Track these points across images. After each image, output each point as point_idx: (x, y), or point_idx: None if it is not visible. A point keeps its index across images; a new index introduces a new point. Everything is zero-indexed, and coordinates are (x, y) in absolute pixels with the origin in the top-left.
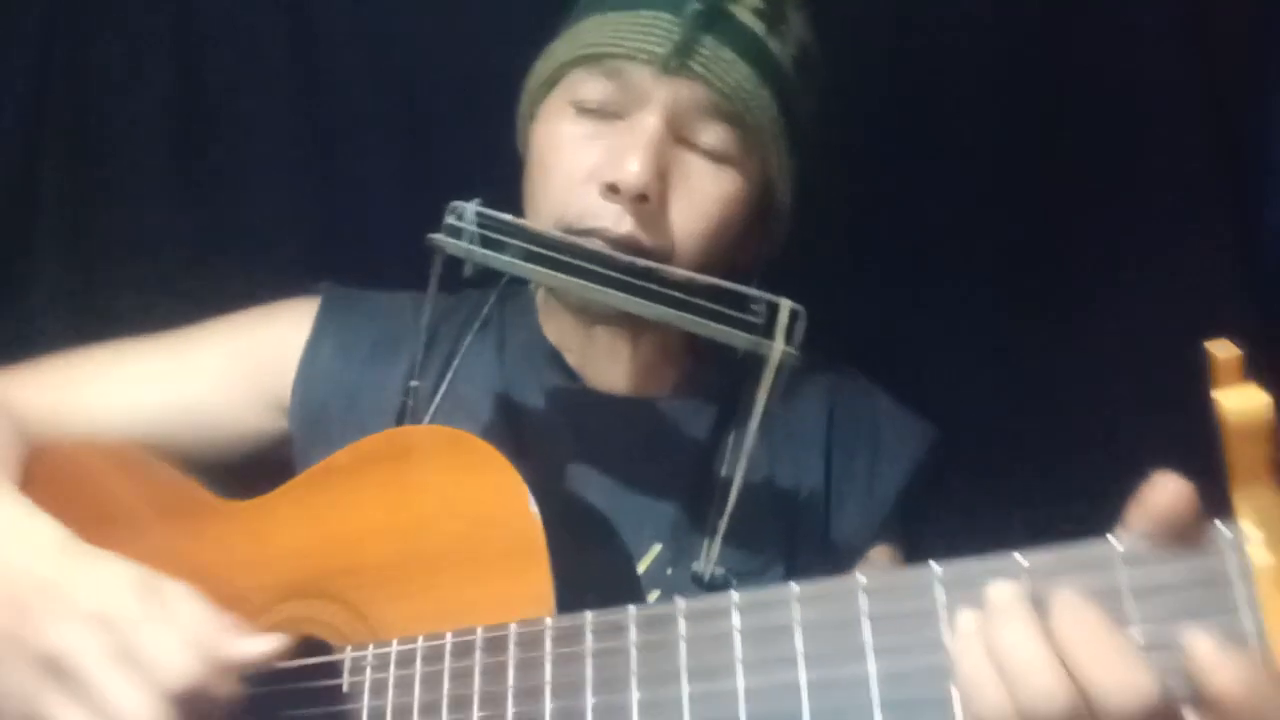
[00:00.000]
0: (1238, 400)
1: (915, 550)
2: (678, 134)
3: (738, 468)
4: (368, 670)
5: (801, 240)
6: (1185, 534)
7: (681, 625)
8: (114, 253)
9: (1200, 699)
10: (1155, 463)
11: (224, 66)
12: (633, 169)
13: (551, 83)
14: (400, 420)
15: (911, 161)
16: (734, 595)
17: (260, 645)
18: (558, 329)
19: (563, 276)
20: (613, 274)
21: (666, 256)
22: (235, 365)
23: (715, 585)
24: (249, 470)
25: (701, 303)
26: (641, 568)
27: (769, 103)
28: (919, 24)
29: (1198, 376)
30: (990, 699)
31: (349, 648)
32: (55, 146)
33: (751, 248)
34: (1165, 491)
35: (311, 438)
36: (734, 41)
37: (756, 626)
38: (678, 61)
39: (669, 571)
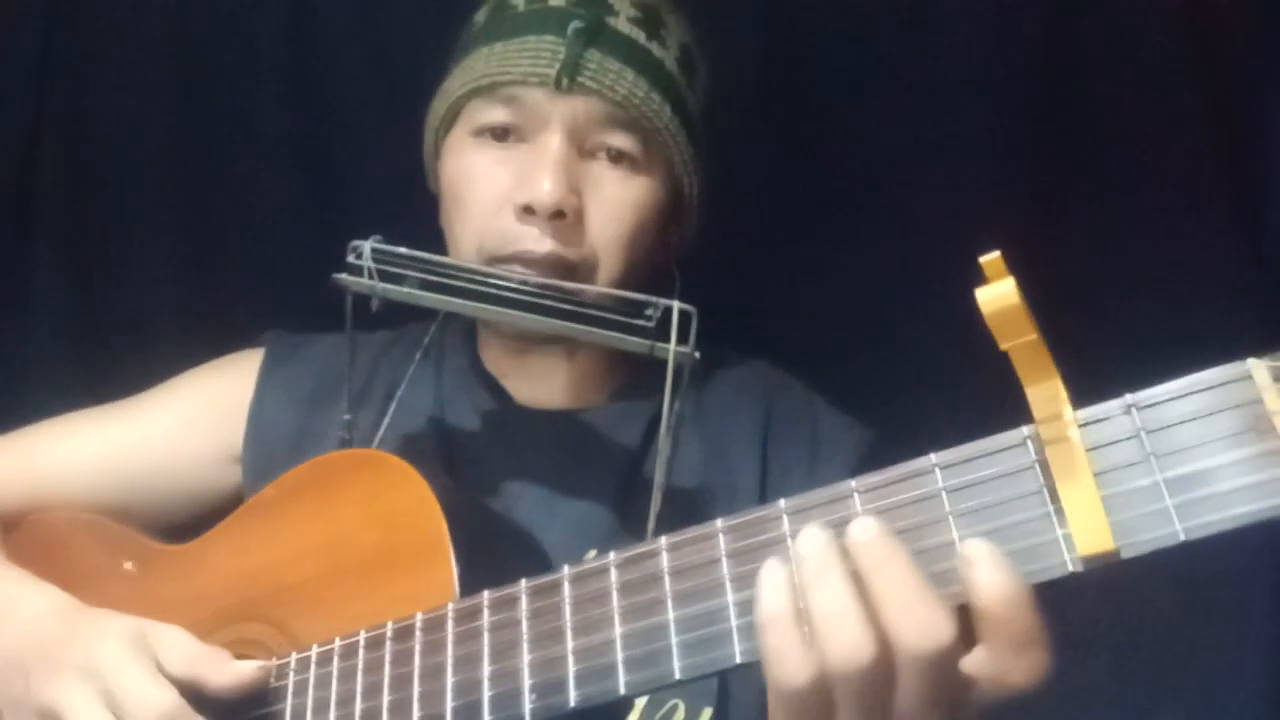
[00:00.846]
0: (987, 293)
1: None
2: (582, 148)
3: (658, 470)
4: (290, 675)
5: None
6: None
7: (566, 588)
8: (113, 255)
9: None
10: None
11: (224, 66)
12: (545, 188)
13: (451, 118)
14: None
15: (911, 162)
16: (611, 555)
17: (238, 670)
18: (493, 353)
19: (459, 301)
20: (509, 294)
21: (592, 268)
22: (189, 426)
23: None
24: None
25: (598, 313)
26: None
27: (660, 104)
28: (917, 22)
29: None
30: (794, 660)
31: (274, 659)
32: (55, 147)
33: (668, 244)
34: None
35: (260, 485)
36: (617, 52)
37: (630, 580)
38: (568, 79)
39: None
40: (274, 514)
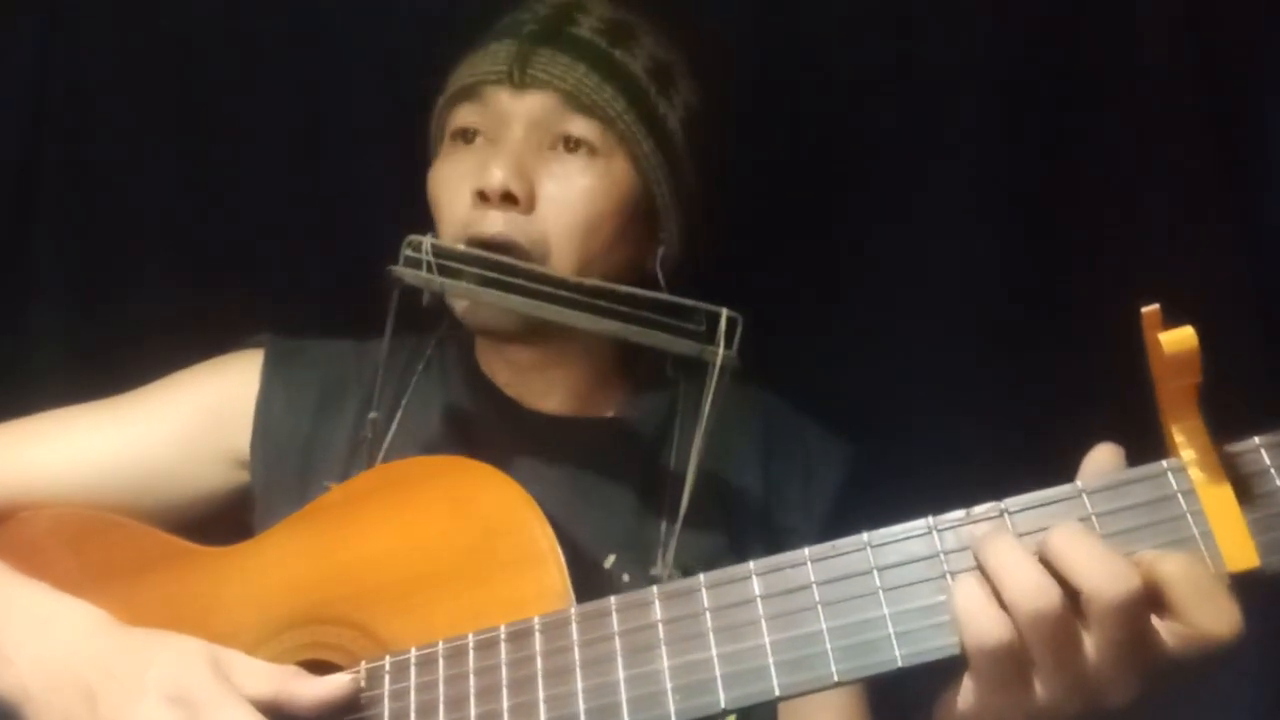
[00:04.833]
0: (1172, 337)
1: None
2: (544, 141)
3: (690, 468)
4: (385, 679)
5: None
6: None
7: (704, 595)
8: (112, 256)
9: (1152, 595)
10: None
11: (224, 66)
12: (494, 173)
13: (439, 133)
14: (356, 455)
15: (911, 162)
16: (750, 564)
17: (328, 686)
18: (492, 368)
19: (516, 299)
20: (561, 293)
21: (544, 255)
22: (189, 423)
23: None
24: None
25: (647, 315)
26: None
27: (614, 95)
28: (918, 23)
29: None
30: (984, 613)
31: (363, 663)
32: (55, 148)
33: (646, 251)
34: (1100, 455)
35: (272, 489)
36: (570, 50)
37: (772, 591)
38: (519, 72)
39: (625, 579)
40: (345, 517)
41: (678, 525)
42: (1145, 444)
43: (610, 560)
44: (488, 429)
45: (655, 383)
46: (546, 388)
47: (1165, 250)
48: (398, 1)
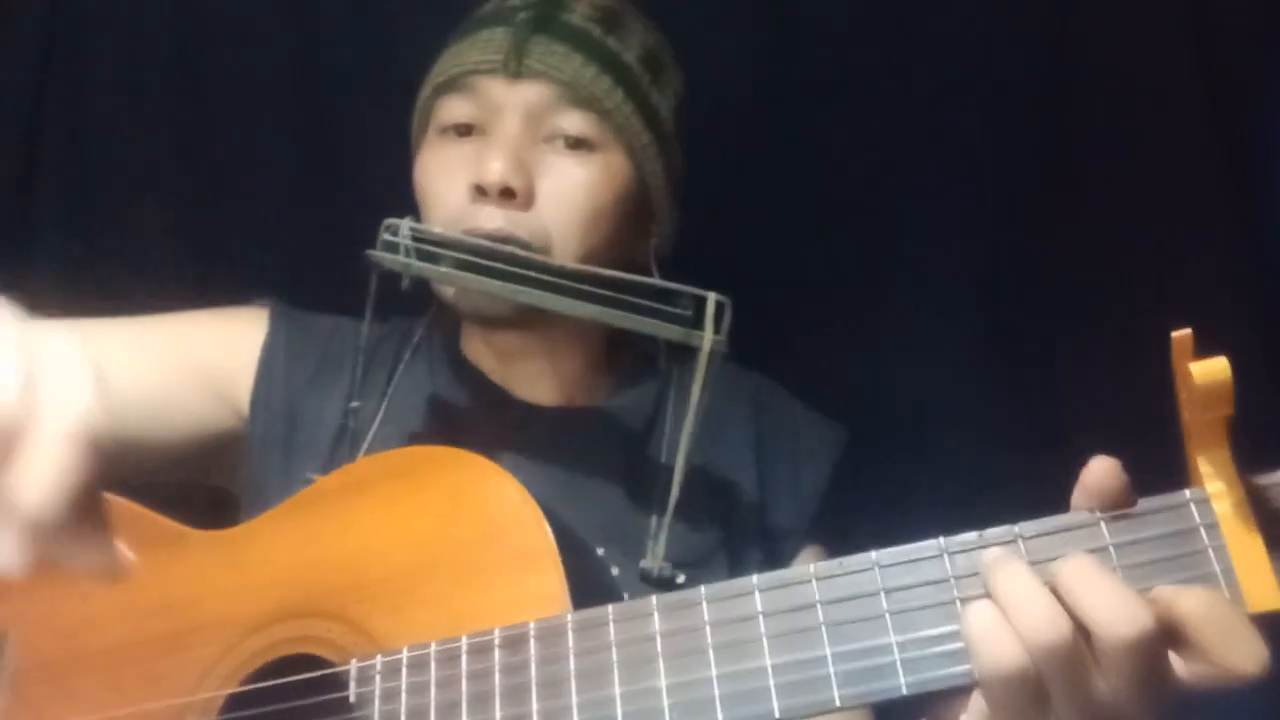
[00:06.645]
0: (1204, 368)
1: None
2: (539, 134)
3: (680, 455)
4: (377, 679)
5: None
6: (1118, 504)
7: (705, 609)
8: (112, 254)
9: (1170, 632)
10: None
11: (224, 66)
12: (494, 167)
13: (424, 122)
14: (340, 442)
15: (910, 163)
16: (754, 579)
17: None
18: (478, 355)
19: (496, 283)
20: (545, 277)
21: (545, 248)
22: (187, 354)
23: (664, 580)
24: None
25: (632, 299)
26: None
27: (612, 86)
28: (918, 22)
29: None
30: (998, 642)
31: (354, 660)
32: (55, 146)
33: (639, 241)
34: (1098, 469)
35: (263, 445)
36: (566, 38)
37: (775, 608)
38: (515, 63)
39: (615, 572)
40: (339, 506)
41: (668, 517)
42: (1140, 444)
43: (599, 553)
44: (475, 418)
45: (644, 371)
46: (534, 375)
47: (1167, 251)
48: None
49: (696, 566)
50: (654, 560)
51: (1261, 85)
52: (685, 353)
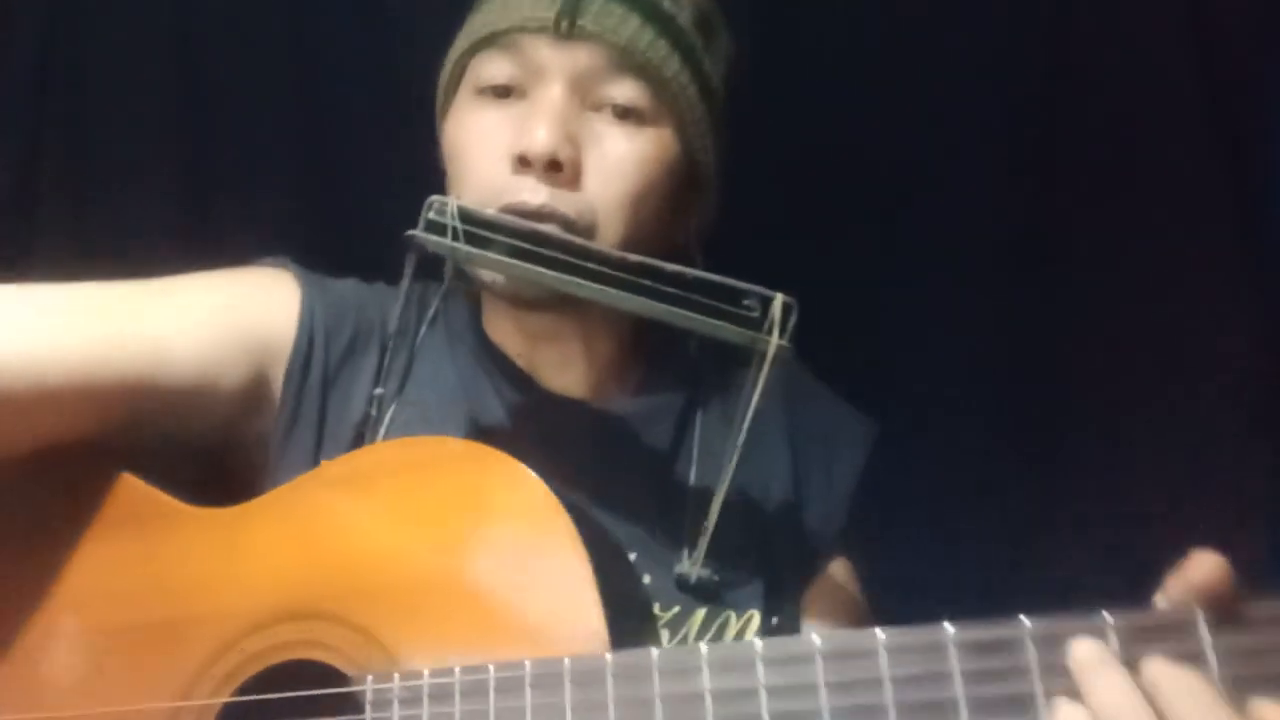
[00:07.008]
0: None
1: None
2: (586, 101)
3: (729, 463)
4: (395, 706)
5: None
6: (1223, 605)
7: (760, 669)
8: (112, 254)
9: None
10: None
11: (224, 65)
12: (540, 136)
13: (457, 77)
14: (363, 426)
15: (910, 164)
16: (815, 640)
17: None
18: (503, 336)
19: (551, 274)
20: (603, 269)
21: (590, 226)
22: (219, 313)
23: (702, 587)
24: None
25: (693, 297)
26: None
27: (669, 52)
28: (919, 23)
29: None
30: None
31: (370, 677)
32: (55, 146)
33: (681, 220)
34: (1204, 566)
35: (291, 425)
36: None
37: (839, 681)
38: (568, 22)
39: (646, 579)
40: (351, 497)
41: (711, 522)
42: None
43: (631, 558)
44: (498, 408)
45: (675, 360)
46: (565, 360)
47: (1168, 251)
48: None
49: (730, 571)
50: (692, 566)
51: (1262, 85)
52: (718, 341)
